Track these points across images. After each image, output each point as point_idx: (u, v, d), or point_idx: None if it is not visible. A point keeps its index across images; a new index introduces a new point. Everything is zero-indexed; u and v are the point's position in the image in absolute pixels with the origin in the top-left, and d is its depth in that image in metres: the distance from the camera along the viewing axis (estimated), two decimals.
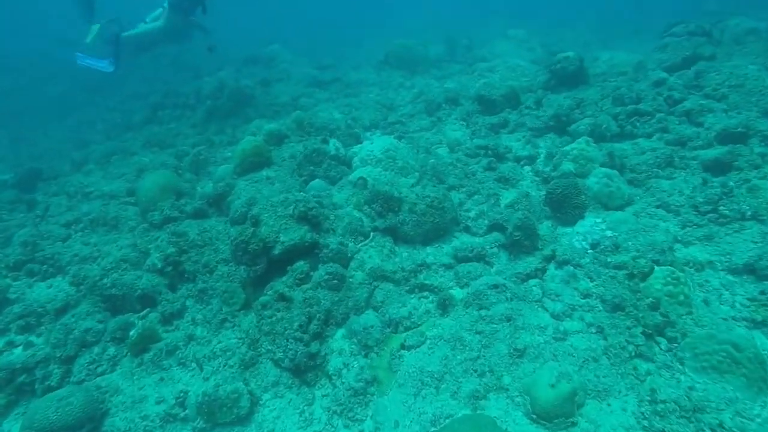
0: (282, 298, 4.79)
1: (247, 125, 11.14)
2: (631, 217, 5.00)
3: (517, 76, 10.03)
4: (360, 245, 5.48)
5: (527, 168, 7.05)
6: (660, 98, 6.93)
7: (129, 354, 4.98)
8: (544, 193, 6.08)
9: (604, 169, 5.60)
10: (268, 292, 4.93)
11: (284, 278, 5.11)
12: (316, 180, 6.70)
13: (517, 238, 5.05)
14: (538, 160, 7.20)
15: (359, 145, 7.00)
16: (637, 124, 6.69)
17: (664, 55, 9.27)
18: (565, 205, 5.43)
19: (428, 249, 5.72)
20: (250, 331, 4.77)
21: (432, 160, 7.26)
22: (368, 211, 5.80)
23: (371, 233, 5.65)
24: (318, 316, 4.69)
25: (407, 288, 5.08)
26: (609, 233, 4.87)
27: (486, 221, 5.83)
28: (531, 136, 7.79)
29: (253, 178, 6.87)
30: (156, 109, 13.93)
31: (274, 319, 4.64)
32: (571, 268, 4.57)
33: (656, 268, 4.36)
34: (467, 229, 5.96)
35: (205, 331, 5.19)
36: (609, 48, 16.23)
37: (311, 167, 6.88)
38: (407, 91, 13.41)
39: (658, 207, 5.31)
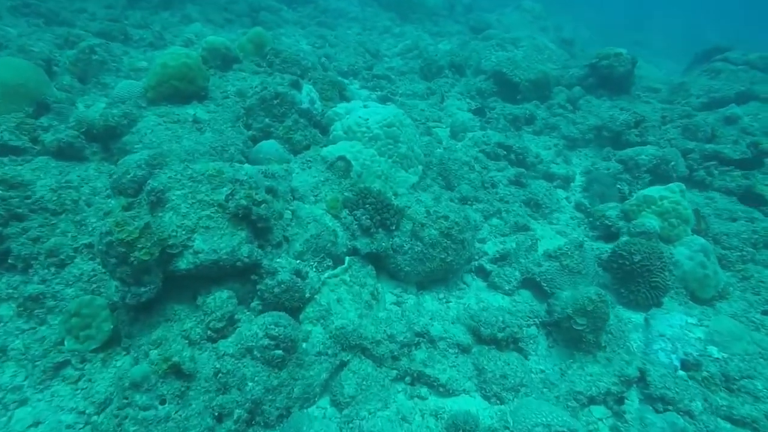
0: (175, 371, 2.57)
1: (185, 27, 8.18)
2: (743, 330, 3.32)
3: (543, 60, 8.06)
4: (326, 276, 3.34)
5: (560, 192, 5.20)
6: (742, 143, 5.30)
7: None
8: (598, 246, 4.27)
9: (700, 240, 3.84)
10: (152, 352, 2.68)
11: (187, 321, 2.87)
12: (271, 141, 4.34)
13: (580, 328, 3.19)
14: (572, 184, 5.37)
15: (345, 105, 4.71)
16: (715, 171, 5.03)
17: (715, 83, 7.72)
18: (640, 282, 3.65)
19: (426, 297, 3.73)
20: (102, 424, 2.52)
21: (440, 151, 5.14)
22: (347, 221, 3.62)
23: (347, 258, 3.51)
24: (237, 413, 2.57)
25: (394, 374, 3.08)
26: (715, 351, 3.16)
27: (516, 272, 3.92)
28: (563, 147, 5.93)
29: (173, 113, 4.33)
30: None
31: (150, 418, 2.43)
32: (675, 416, 2.79)
33: None
34: (483, 273, 4.03)
35: (20, 379, 2.86)
36: None
37: (267, 119, 4.48)
38: (395, 39, 10.96)
39: (766, 313, 3.69)
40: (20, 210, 3.41)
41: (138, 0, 8.81)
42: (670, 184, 4.08)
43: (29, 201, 3.47)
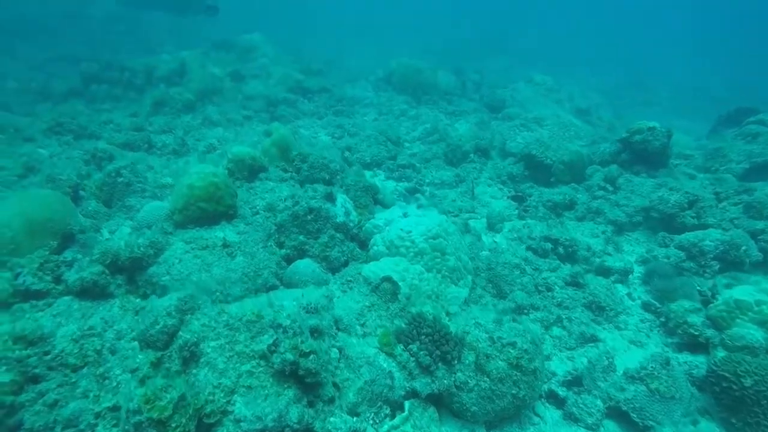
0: None
1: (207, 131, 8.23)
2: None
3: (571, 137, 7.89)
4: (385, 430, 2.86)
5: (620, 288, 4.73)
6: None
7: None
8: (684, 358, 3.74)
9: None
10: None
11: None
12: (306, 261, 4.02)
13: None
14: (630, 276, 4.91)
15: (383, 214, 4.44)
16: None
17: (755, 147, 7.41)
18: (758, 413, 3.08)
19: None
20: None
21: (485, 253, 4.77)
22: (403, 358, 3.19)
23: (406, 403, 3.04)
24: None
25: None
26: None
27: (597, 400, 3.39)
28: (612, 233, 5.53)
29: (201, 239, 4.07)
30: (89, 80, 10.66)
31: None
32: None
33: None
34: (556, 399, 3.50)
35: None
36: (627, 117, 14.73)
37: (301, 236, 4.19)
38: (412, 122, 11.02)
39: None
40: (38, 370, 3.05)
41: (162, 105, 9.02)
42: (764, 284, 3.61)
43: (48, 357, 3.12)
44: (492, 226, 5.77)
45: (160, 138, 7.68)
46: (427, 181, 7.38)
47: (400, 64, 12.80)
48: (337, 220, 4.28)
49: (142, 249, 3.90)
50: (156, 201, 4.72)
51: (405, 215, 4.37)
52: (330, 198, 4.37)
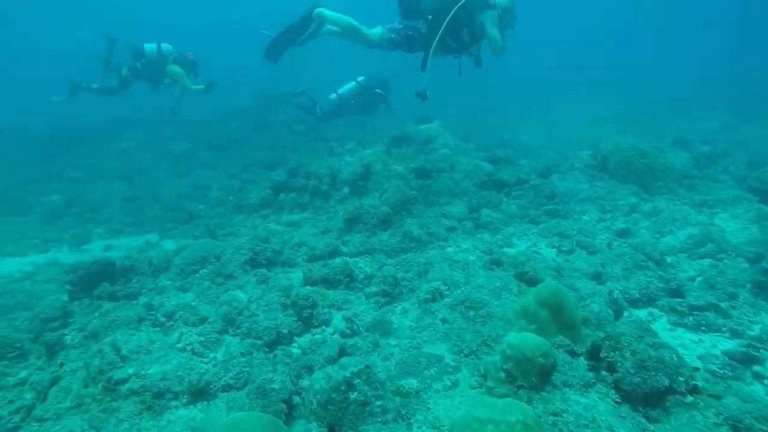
0: None
1: (415, 255, 6.65)
2: None
3: None
4: None
5: None
6: None
7: None
8: None
9: None
10: None
11: None
12: None
13: None
14: None
15: None
16: None
17: None
18: None
19: None
20: None
21: None
22: None
23: None
24: None
25: None
26: None
27: None
28: None
29: None
30: (278, 189, 10.38)
31: None
32: None
33: None
34: None
35: None
36: None
37: None
38: (649, 220, 8.36)
39: None
40: None
41: (356, 222, 7.90)
42: None
43: None
44: None
45: (359, 265, 6.36)
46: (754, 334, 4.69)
47: (617, 147, 10.33)
48: None
49: None
50: None
51: None
52: None
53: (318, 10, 8.51)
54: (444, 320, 4.68)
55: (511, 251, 7.00)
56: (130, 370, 3.96)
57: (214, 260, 6.65)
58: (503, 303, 4.62)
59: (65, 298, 6.33)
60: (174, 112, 12.57)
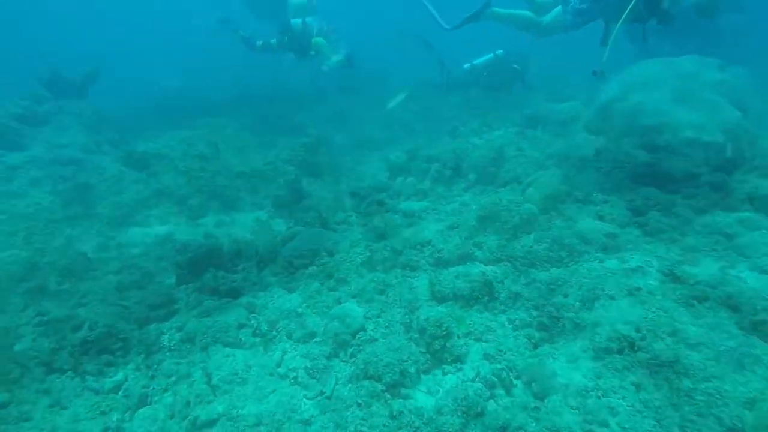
0: None
1: (570, 271, 5.16)
2: None
3: None
4: None
5: None
6: None
7: None
8: None
9: None
10: None
11: None
12: None
13: None
14: None
15: None
16: None
17: None
18: None
19: None
20: None
21: None
22: None
23: None
24: None
25: None
26: None
27: None
28: None
29: None
30: (396, 172, 9.39)
31: None
32: None
33: None
34: None
35: None
36: None
37: None
38: None
39: None
40: None
41: (491, 220, 6.54)
42: None
43: None
44: None
45: (497, 277, 5.04)
46: None
47: None
48: None
49: None
50: None
51: None
52: None
53: (492, 9, 7.45)
54: (638, 387, 3.23)
55: (700, 273, 5.15)
56: (220, 408, 3.16)
57: (325, 255, 5.80)
58: (748, 381, 3.02)
59: (173, 280, 5.97)
60: (314, 84, 12.85)
